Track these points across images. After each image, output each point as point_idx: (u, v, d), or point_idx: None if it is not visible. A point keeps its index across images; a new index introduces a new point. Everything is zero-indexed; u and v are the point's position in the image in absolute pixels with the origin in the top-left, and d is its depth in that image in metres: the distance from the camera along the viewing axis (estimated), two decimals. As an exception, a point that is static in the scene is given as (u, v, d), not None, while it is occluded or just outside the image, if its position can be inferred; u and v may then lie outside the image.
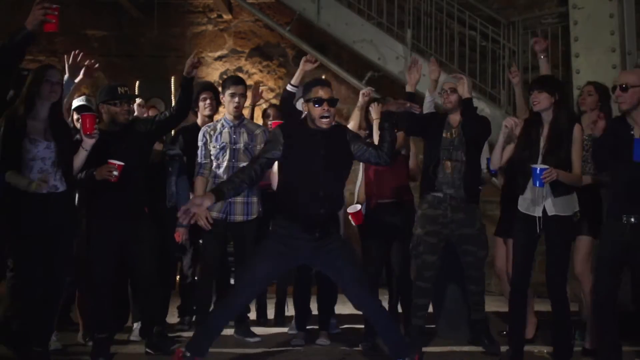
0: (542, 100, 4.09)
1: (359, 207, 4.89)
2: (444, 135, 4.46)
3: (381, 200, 4.76)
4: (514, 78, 5.01)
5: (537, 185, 3.89)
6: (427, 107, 5.00)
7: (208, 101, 5.30)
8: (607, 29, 6.44)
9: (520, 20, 7.48)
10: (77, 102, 4.91)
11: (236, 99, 4.83)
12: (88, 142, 4.14)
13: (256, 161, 3.84)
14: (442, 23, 7.59)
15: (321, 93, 3.78)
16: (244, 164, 4.76)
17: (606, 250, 3.93)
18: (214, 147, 4.84)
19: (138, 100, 5.31)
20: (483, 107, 6.64)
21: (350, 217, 4.87)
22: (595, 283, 4.02)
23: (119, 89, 4.39)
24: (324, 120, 3.79)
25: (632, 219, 3.82)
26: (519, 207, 4.18)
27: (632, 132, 3.85)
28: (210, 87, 5.53)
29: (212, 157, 4.85)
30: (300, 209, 3.79)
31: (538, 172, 3.87)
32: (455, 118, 4.52)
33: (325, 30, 7.51)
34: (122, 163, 4.14)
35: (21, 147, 3.93)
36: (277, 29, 8.04)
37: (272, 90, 8.64)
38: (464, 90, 4.38)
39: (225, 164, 4.81)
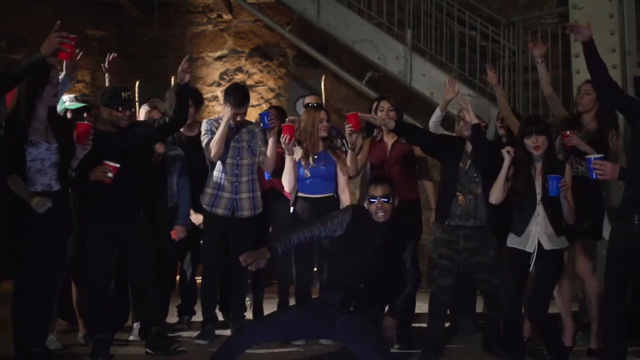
0: (542, 144, 4.07)
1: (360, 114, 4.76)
2: (460, 165, 4.39)
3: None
4: (492, 78, 5.03)
5: (553, 194, 3.91)
6: (433, 124, 5.04)
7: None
8: (607, 29, 6.44)
9: (520, 20, 7.49)
10: (71, 103, 4.87)
11: None
12: (81, 153, 4.10)
13: (315, 229, 4.03)
14: (442, 23, 7.59)
15: (374, 191, 4.04)
16: (247, 161, 4.80)
17: (615, 252, 3.85)
18: None
19: (146, 107, 5.30)
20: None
21: (346, 119, 4.71)
22: (605, 284, 3.96)
23: (122, 93, 4.34)
24: (379, 215, 4.02)
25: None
26: (508, 244, 4.18)
27: None
28: None
29: None
30: (341, 282, 4.02)
31: (555, 182, 3.88)
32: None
33: (325, 30, 7.50)
34: (117, 165, 4.10)
35: (23, 150, 3.90)
36: (277, 29, 8.03)
37: (272, 90, 8.64)
38: (470, 116, 4.32)
39: (228, 160, 4.82)
